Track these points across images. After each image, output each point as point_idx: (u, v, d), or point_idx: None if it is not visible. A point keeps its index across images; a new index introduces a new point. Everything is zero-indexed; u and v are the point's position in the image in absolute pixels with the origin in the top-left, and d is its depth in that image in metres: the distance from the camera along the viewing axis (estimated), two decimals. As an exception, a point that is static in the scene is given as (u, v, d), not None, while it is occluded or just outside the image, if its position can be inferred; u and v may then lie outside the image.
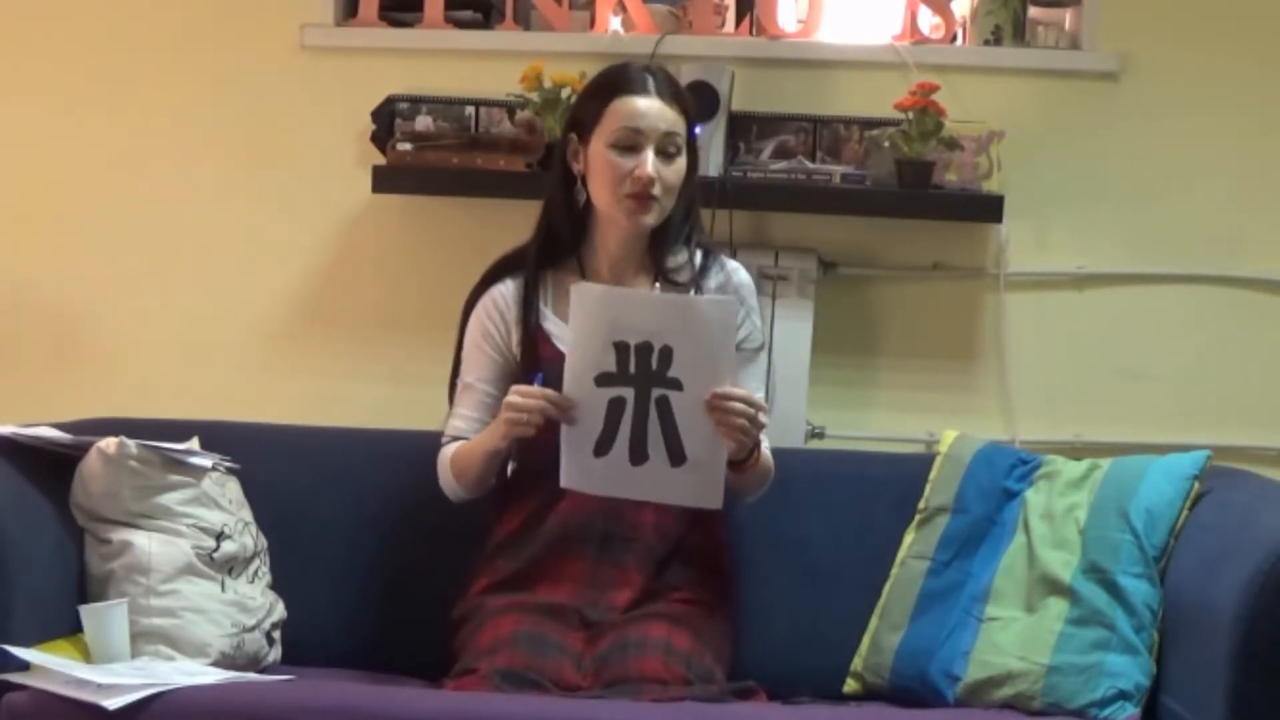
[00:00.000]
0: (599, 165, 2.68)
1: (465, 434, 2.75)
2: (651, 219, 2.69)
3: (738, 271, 2.80)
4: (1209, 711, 2.37)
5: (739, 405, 2.50)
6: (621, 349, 2.50)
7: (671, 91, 2.70)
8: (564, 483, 2.57)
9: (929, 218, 3.24)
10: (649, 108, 2.66)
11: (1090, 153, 3.32)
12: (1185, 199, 3.32)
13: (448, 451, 2.76)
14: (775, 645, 2.84)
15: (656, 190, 2.66)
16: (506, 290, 2.76)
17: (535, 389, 2.56)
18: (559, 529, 2.70)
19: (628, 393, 2.51)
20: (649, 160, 2.65)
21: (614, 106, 2.67)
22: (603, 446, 2.53)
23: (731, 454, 2.54)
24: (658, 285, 2.76)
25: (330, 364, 3.41)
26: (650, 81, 2.68)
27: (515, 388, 2.58)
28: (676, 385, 2.50)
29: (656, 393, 2.50)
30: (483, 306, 2.77)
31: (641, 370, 2.50)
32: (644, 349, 2.50)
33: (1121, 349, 3.34)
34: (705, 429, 2.50)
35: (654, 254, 2.76)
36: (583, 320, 2.53)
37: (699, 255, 2.78)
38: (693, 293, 2.73)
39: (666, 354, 2.49)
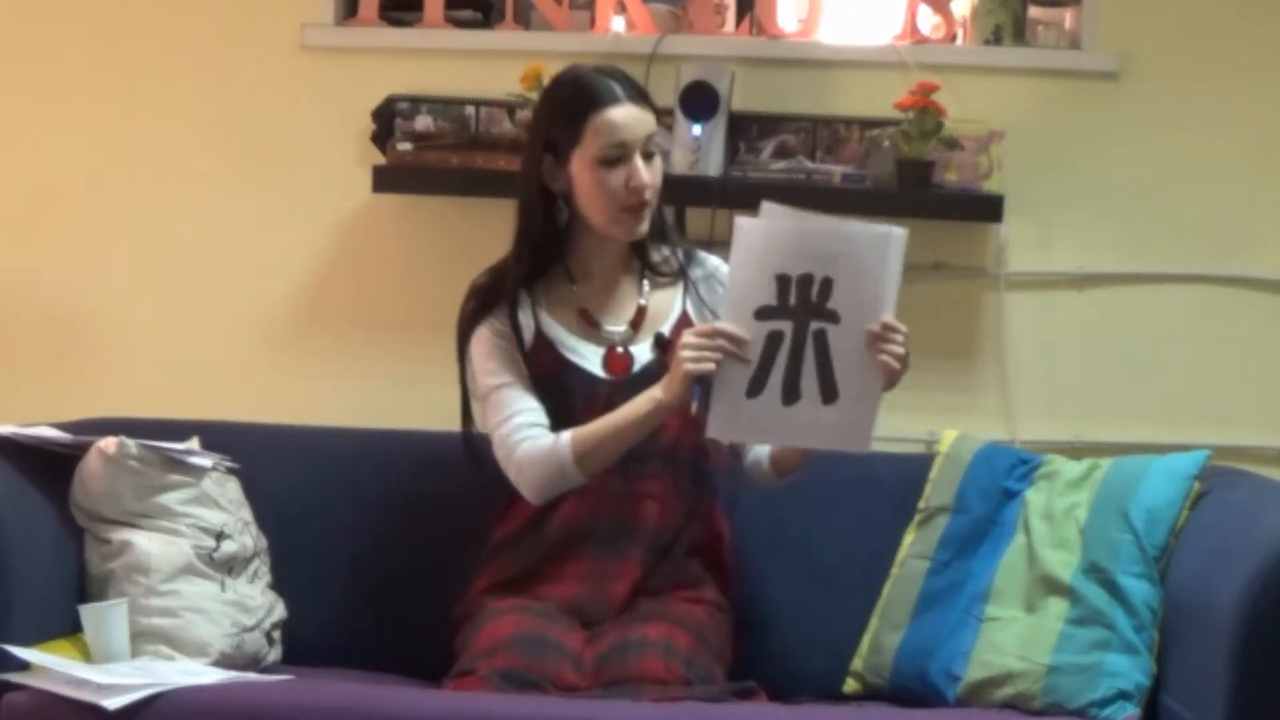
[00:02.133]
0: (588, 185, 2.67)
1: (537, 428, 2.66)
2: (645, 226, 2.71)
3: (709, 260, 2.82)
4: (1209, 711, 2.37)
5: (901, 337, 2.48)
6: (783, 281, 2.48)
7: (638, 92, 2.70)
8: (710, 433, 2.52)
9: (929, 218, 3.24)
10: (627, 117, 2.65)
11: (1090, 153, 3.32)
12: (1185, 199, 3.32)
13: (550, 440, 2.64)
14: (775, 645, 2.84)
15: (649, 195, 2.67)
16: (503, 315, 2.73)
17: (708, 326, 2.52)
18: (561, 530, 2.70)
19: (786, 326, 2.48)
20: (641, 169, 2.65)
21: (593, 125, 2.65)
22: (756, 385, 2.49)
23: (885, 387, 2.49)
24: (645, 283, 2.77)
25: (330, 364, 3.41)
26: (618, 89, 2.67)
27: (689, 330, 2.53)
28: (834, 318, 2.47)
29: (814, 326, 2.48)
30: (487, 325, 2.73)
31: (801, 302, 2.47)
32: (805, 280, 2.47)
33: (1122, 349, 3.34)
34: (859, 365, 2.48)
35: (638, 249, 2.77)
36: (745, 254, 2.49)
37: (679, 249, 2.80)
38: (683, 284, 2.76)
39: (827, 285, 2.47)
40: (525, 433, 2.66)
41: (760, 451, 2.73)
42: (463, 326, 2.76)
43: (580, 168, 2.67)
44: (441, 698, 2.49)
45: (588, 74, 2.71)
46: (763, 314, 2.49)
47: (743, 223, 2.51)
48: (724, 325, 2.50)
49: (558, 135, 2.69)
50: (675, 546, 2.71)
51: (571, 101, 2.69)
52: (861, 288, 2.47)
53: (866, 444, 2.51)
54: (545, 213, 2.73)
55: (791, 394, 2.49)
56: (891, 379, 2.50)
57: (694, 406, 2.53)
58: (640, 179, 2.65)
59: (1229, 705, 2.33)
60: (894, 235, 2.49)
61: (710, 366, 2.48)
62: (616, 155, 2.65)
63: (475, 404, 2.78)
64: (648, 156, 2.67)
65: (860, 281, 2.47)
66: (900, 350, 2.48)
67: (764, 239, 2.50)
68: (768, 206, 2.52)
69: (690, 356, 2.50)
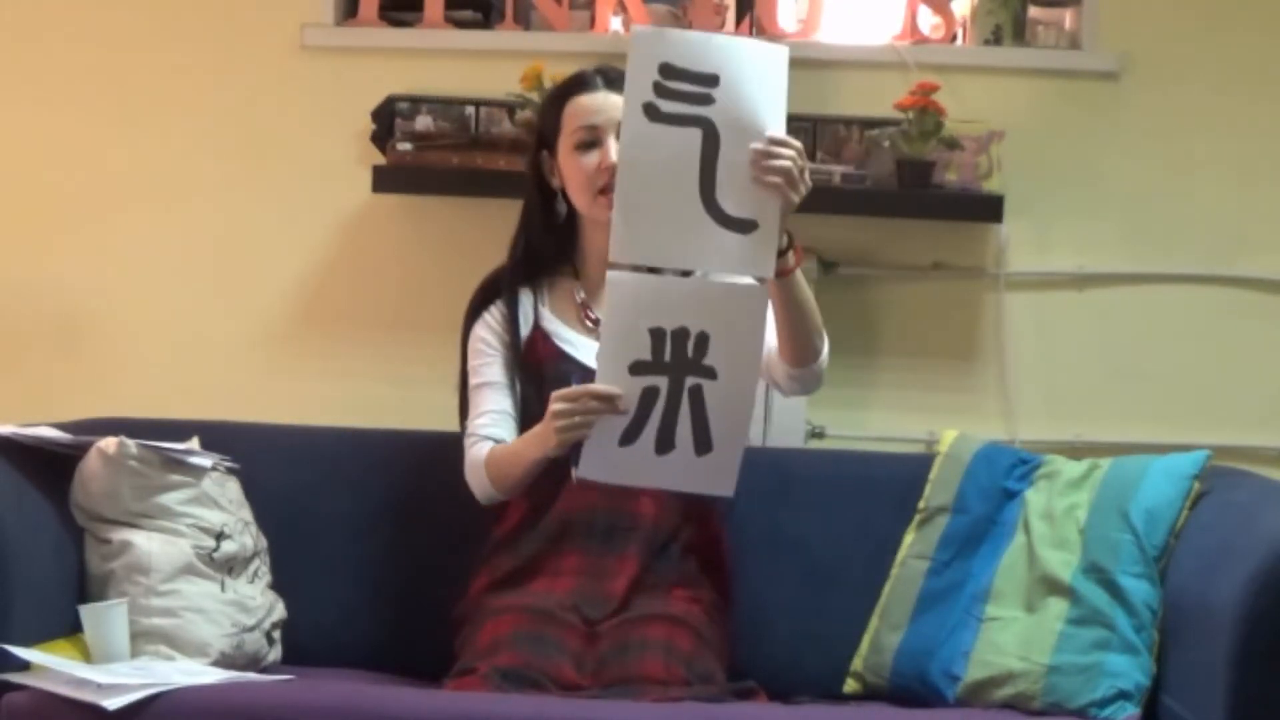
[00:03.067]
0: (570, 171, 2.73)
1: (492, 432, 2.72)
2: None
3: None
4: (1209, 711, 2.37)
5: (786, 150, 2.42)
6: (657, 336, 2.46)
7: (614, 79, 2.72)
8: (581, 473, 2.52)
9: (929, 218, 3.24)
10: (599, 101, 2.71)
11: (1090, 153, 3.32)
12: (1185, 199, 3.32)
13: (480, 452, 2.72)
14: (775, 645, 2.84)
15: None
16: (500, 311, 2.78)
17: (576, 389, 2.51)
18: (558, 524, 2.70)
19: (661, 381, 2.46)
20: (611, 148, 2.68)
21: (568, 111, 2.73)
22: (630, 435, 2.48)
23: (782, 210, 2.44)
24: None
25: (330, 364, 3.41)
26: (597, 79, 2.73)
27: (557, 393, 2.53)
28: (711, 374, 2.46)
29: (690, 381, 2.46)
30: (482, 322, 2.78)
31: (677, 357, 2.46)
32: (680, 335, 2.46)
33: (1121, 349, 3.34)
34: (734, 416, 2.47)
35: None
36: (618, 308, 2.47)
37: None
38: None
39: (703, 341, 2.45)
40: (475, 436, 2.74)
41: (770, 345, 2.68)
42: (465, 323, 2.81)
43: (563, 156, 2.73)
44: (441, 698, 2.49)
45: (578, 70, 2.79)
46: (637, 369, 2.46)
47: (614, 276, 2.46)
48: (593, 386, 2.48)
49: (545, 128, 2.78)
50: (671, 545, 2.72)
51: (554, 94, 2.79)
52: (734, 343, 2.45)
53: (730, 489, 2.51)
54: (544, 209, 2.78)
55: (665, 445, 2.49)
56: (786, 201, 2.44)
57: (573, 473, 2.56)
58: (609, 158, 2.68)
59: (1229, 705, 2.33)
60: (763, 292, 2.46)
61: (583, 433, 2.48)
62: (589, 139, 2.70)
63: None
64: None
65: (734, 337, 2.45)
66: (783, 165, 2.42)
67: (637, 293, 2.46)
68: (613, 276, 2.45)
69: (561, 426, 2.50)
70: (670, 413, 2.47)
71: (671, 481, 2.53)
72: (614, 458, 2.49)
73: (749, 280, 2.48)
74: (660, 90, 2.42)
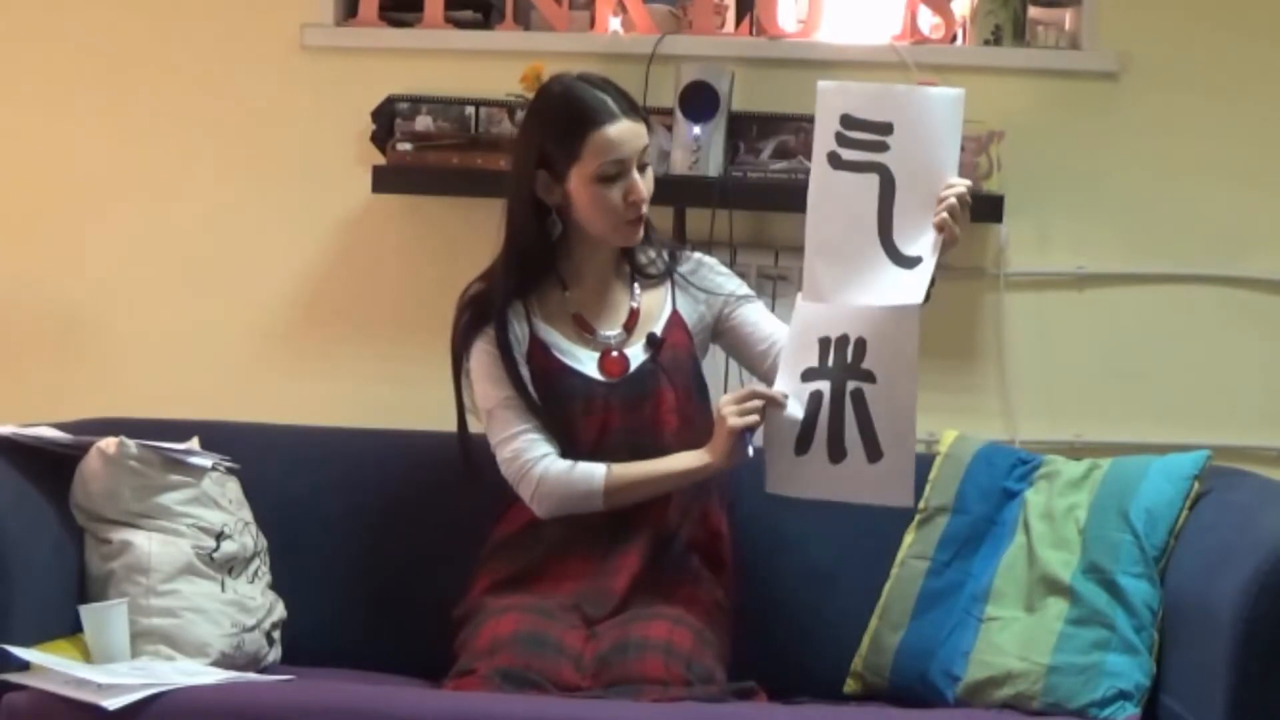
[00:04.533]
0: (588, 199, 2.68)
1: (547, 444, 2.68)
2: (643, 231, 2.74)
3: (692, 255, 2.87)
4: (1209, 711, 2.37)
5: (959, 190, 2.54)
6: (824, 344, 2.59)
7: (630, 105, 2.71)
8: (769, 488, 2.63)
9: (929, 218, 3.24)
10: (624, 133, 2.67)
11: (1090, 153, 3.32)
12: (1185, 199, 3.32)
13: (586, 471, 2.66)
14: (775, 645, 2.84)
15: (645, 205, 2.70)
16: (497, 328, 2.74)
17: (744, 390, 2.63)
18: (561, 530, 2.70)
19: (825, 386, 2.58)
20: (640, 184, 2.69)
21: (591, 143, 2.66)
22: (803, 444, 2.59)
23: (948, 242, 2.55)
24: (635, 286, 2.78)
25: (330, 364, 3.41)
26: (612, 104, 2.67)
27: (725, 399, 2.62)
28: (870, 378, 2.56)
29: (851, 385, 2.57)
30: (485, 339, 2.73)
31: (839, 363, 2.57)
32: (841, 342, 2.57)
33: (1121, 349, 3.34)
34: (898, 422, 2.56)
35: (626, 252, 2.80)
36: (801, 327, 2.62)
37: (664, 249, 2.84)
38: (670, 283, 2.80)
39: (861, 346, 2.56)
40: (539, 450, 2.68)
41: None
42: (458, 339, 2.77)
43: (579, 184, 2.68)
44: (441, 698, 2.49)
45: (580, 88, 2.70)
46: (807, 375, 2.60)
47: (799, 301, 2.62)
48: (757, 387, 2.62)
49: (553, 152, 2.69)
50: (674, 543, 2.72)
51: (566, 119, 2.69)
52: (894, 350, 2.56)
53: (909, 499, 2.62)
54: (537, 225, 2.74)
55: (838, 454, 2.59)
56: (952, 238, 2.55)
57: (750, 452, 2.62)
58: (639, 193, 2.68)
59: (1229, 705, 2.33)
60: (910, 306, 2.56)
61: (754, 419, 2.58)
62: (615, 172, 2.67)
63: (471, 415, 2.79)
64: (642, 168, 2.70)
65: (892, 344, 2.56)
66: (955, 205, 2.54)
67: (813, 310, 2.60)
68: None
69: (732, 412, 2.58)
70: (836, 417, 2.58)
71: (851, 493, 2.62)
72: (793, 470, 2.61)
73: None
74: (841, 140, 2.58)
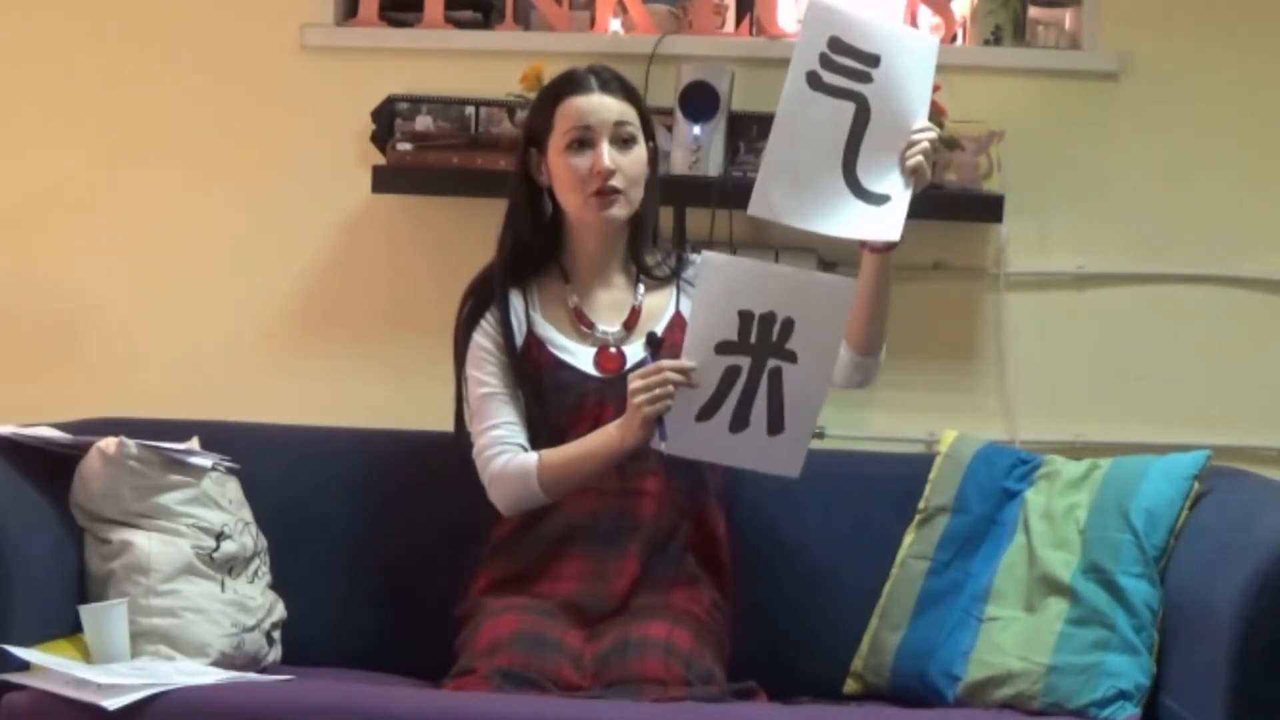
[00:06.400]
0: (560, 171, 2.72)
1: (519, 440, 2.70)
2: (619, 211, 2.72)
3: (698, 259, 2.82)
4: (1209, 711, 2.37)
5: (930, 135, 2.58)
6: (745, 318, 2.54)
7: (617, 84, 2.74)
8: (670, 449, 2.58)
9: (929, 217, 3.22)
10: (594, 103, 2.71)
11: (1090, 152, 3.32)
12: (1186, 198, 3.32)
13: (520, 460, 2.68)
14: (775, 645, 2.84)
15: (619, 182, 2.70)
16: (494, 316, 2.76)
17: (651, 366, 2.56)
18: (559, 528, 2.70)
19: (744, 361, 2.54)
20: (605, 152, 2.69)
21: (561, 111, 2.71)
22: (707, 411, 2.55)
23: (918, 185, 2.57)
24: (640, 286, 2.77)
25: (330, 364, 3.41)
26: (593, 80, 2.73)
27: (635, 373, 2.57)
28: (792, 358, 2.54)
29: (772, 363, 2.54)
30: (480, 331, 2.76)
31: (762, 339, 2.54)
32: (767, 319, 2.54)
33: (1122, 349, 3.34)
34: (808, 400, 2.56)
35: (633, 251, 2.80)
36: (709, 288, 2.55)
37: (671, 252, 2.84)
38: (675, 286, 2.80)
39: (788, 326, 2.53)
40: (500, 447, 2.70)
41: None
42: (459, 329, 2.79)
43: (553, 155, 2.72)
44: (441, 698, 2.49)
45: (572, 69, 2.77)
46: (723, 348, 2.55)
47: (710, 257, 2.56)
48: (666, 362, 2.55)
49: (535, 126, 2.76)
50: (671, 544, 2.72)
51: (547, 93, 2.77)
52: (816, 331, 2.54)
53: (797, 471, 2.59)
54: (531, 206, 2.77)
55: (740, 424, 2.56)
56: (922, 181, 2.58)
57: (659, 444, 2.57)
58: (603, 163, 2.68)
59: (1229, 705, 2.33)
60: (849, 285, 2.56)
61: (667, 404, 2.53)
62: (581, 139, 2.69)
63: (467, 407, 2.80)
64: (623, 143, 2.71)
65: (816, 325, 2.54)
66: (928, 147, 2.57)
67: (730, 275, 2.55)
68: (709, 256, 2.57)
69: (643, 399, 2.54)
70: (749, 392, 2.55)
71: (743, 459, 2.61)
72: (691, 433, 2.56)
73: (836, 275, 2.63)
74: (825, 62, 2.54)
